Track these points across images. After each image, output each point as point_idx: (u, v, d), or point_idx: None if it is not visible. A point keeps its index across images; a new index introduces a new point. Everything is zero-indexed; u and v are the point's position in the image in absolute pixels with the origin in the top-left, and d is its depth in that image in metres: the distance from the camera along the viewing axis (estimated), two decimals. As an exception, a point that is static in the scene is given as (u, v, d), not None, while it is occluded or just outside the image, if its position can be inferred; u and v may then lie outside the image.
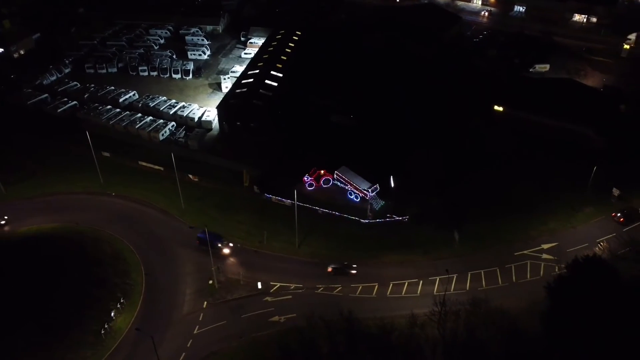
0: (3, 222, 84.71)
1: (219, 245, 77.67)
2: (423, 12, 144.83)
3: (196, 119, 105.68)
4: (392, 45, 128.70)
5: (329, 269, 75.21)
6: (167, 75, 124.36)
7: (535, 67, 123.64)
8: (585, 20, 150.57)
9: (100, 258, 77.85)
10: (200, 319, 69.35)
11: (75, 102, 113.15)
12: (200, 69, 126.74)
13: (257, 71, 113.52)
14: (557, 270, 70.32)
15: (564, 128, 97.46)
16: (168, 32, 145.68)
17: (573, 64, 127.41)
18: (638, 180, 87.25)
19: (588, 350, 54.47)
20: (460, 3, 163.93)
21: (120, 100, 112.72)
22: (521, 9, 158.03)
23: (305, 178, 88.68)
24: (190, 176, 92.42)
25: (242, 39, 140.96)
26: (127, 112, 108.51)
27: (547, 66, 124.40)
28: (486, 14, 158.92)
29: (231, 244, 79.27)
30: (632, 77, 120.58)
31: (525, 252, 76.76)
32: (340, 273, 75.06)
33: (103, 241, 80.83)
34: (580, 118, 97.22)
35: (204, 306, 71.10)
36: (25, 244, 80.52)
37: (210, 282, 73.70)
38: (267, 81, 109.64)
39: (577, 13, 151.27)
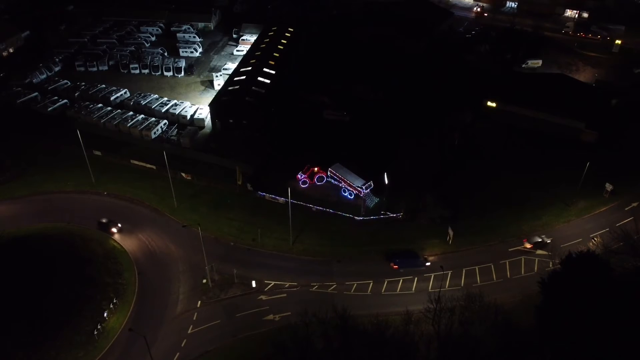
0: (115, 229, 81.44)
1: (418, 264, 75.06)
2: (415, 7, 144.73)
3: (188, 117, 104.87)
4: (384, 40, 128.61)
5: (529, 245, 76.01)
6: (159, 72, 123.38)
7: (527, 63, 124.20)
8: (576, 15, 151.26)
9: (92, 258, 77.07)
10: (194, 318, 68.83)
11: (65, 100, 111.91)
12: (192, 66, 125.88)
13: (250, 68, 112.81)
14: (551, 265, 70.59)
15: (556, 123, 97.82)
16: (159, 30, 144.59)
17: (565, 59, 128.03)
18: (630, 174, 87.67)
19: (580, 344, 54.73)
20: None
21: (112, 98, 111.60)
22: (513, 4, 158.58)
23: (299, 175, 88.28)
24: (183, 174, 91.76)
25: (234, 35, 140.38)
26: (119, 111, 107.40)
27: (540, 61, 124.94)
28: (478, 9, 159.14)
29: (428, 260, 76.26)
30: (623, 71, 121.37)
31: (519, 247, 76.87)
32: (540, 246, 75.59)
33: (94, 240, 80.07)
34: (572, 113, 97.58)
35: (198, 305, 70.57)
36: (15, 243, 79.45)
37: (204, 281, 73.21)
38: (259, 78, 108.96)
39: (568, 8, 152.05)
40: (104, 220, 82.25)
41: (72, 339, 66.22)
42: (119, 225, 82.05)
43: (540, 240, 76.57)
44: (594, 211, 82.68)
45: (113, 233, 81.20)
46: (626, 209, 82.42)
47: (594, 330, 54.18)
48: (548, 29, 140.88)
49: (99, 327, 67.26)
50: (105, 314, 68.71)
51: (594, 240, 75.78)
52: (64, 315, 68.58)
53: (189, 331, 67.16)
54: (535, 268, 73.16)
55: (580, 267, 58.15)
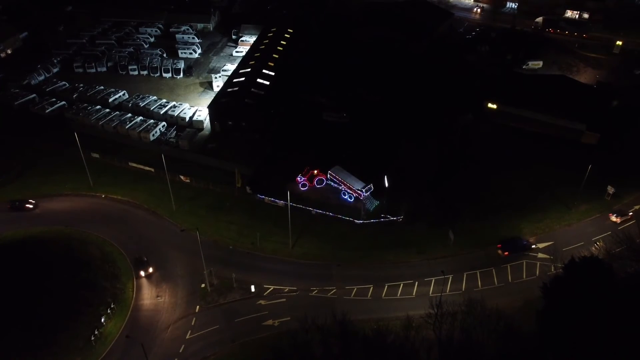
0: (143, 273, 74.52)
1: (525, 247, 76.09)
2: (415, 8, 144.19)
3: (187, 119, 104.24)
4: (384, 40, 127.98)
5: (615, 219, 78.70)
6: (158, 74, 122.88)
7: (528, 64, 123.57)
8: (577, 16, 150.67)
9: (90, 261, 76.34)
10: (192, 323, 68.15)
11: (63, 102, 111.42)
12: (191, 67, 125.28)
13: (249, 70, 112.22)
14: (552, 269, 69.92)
15: (557, 124, 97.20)
16: (158, 31, 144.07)
17: (565, 59, 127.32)
18: (632, 176, 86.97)
19: (583, 350, 54.12)
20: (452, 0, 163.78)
21: (110, 100, 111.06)
22: (513, 5, 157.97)
23: (298, 178, 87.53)
24: (182, 177, 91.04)
25: (234, 36, 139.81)
26: (117, 112, 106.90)
27: (540, 63, 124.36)
28: (478, 10, 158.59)
29: (533, 245, 76.88)
30: (624, 72, 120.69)
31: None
32: (623, 215, 79.14)
33: (92, 244, 79.34)
34: (573, 114, 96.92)
35: (197, 310, 69.87)
36: (12, 247, 78.81)
37: (203, 285, 72.48)
38: (258, 80, 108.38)
39: (569, 9, 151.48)
40: (137, 256, 76.82)
41: (69, 344, 65.54)
42: (151, 270, 74.85)
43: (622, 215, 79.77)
44: (596, 214, 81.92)
45: (140, 276, 74.40)
46: (629, 212, 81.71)
47: (597, 336, 53.52)
48: (522, 25, 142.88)
49: (96, 332, 66.51)
50: (102, 319, 67.95)
51: (597, 244, 75.00)
52: (61, 320, 67.89)
53: (188, 336, 66.45)
54: (537, 272, 72.44)
55: (584, 272, 57.48)
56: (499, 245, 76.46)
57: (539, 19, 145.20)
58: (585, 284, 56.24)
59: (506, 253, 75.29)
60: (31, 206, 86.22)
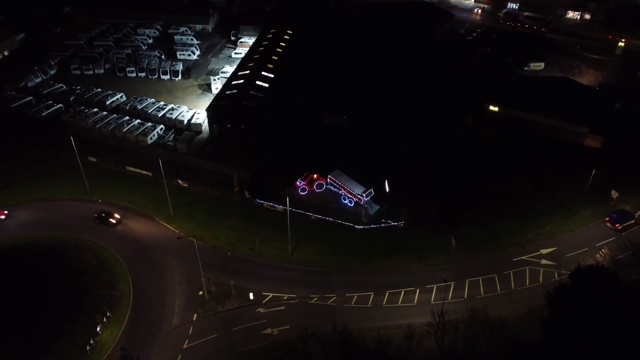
0: None
1: (632, 218, 77.06)
2: (415, 8, 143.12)
3: (185, 122, 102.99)
4: (384, 42, 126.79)
5: None
6: (156, 76, 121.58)
7: (529, 66, 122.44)
8: (578, 17, 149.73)
9: (86, 268, 75.17)
10: (190, 332, 66.87)
11: (60, 104, 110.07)
12: (190, 69, 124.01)
13: (248, 72, 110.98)
14: (556, 276, 68.76)
15: (560, 127, 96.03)
16: (156, 32, 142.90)
17: (567, 61, 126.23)
18: (636, 180, 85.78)
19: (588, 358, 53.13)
20: (452, 0, 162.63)
21: (107, 102, 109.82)
22: (514, 5, 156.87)
23: (298, 182, 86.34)
24: (179, 181, 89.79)
25: (232, 38, 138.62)
26: (114, 115, 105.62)
27: (542, 64, 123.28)
28: (479, 11, 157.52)
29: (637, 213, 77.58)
30: (627, 74, 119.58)
31: (523, 257, 74.86)
32: None
33: (88, 250, 78.15)
34: (575, 117, 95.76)
35: (194, 318, 68.63)
36: (6, 253, 77.63)
37: (201, 292, 71.28)
38: (257, 82, 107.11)
39: (571, 10, 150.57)
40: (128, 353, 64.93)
41: (64, 353, 64.38)
42: None
43: None
44: (600, 219, 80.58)
45: None
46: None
47: (602, 345, 52.46)
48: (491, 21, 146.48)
49: (91, 341, 65.29)
50: (98, 328, 66.73)
51: (602, 251, 73.75)
52: (56, 329, 66.75)
53: (185, 346, 65.20)
54: (540, 279, 71.18)
55: (589, 281, 56.34)
56: (607, 219, 77.47)
57: (500, 14, 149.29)
58: (590, 293, 55.18)
59: (617, 225, 76.28)
60: (114, 221, 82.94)
